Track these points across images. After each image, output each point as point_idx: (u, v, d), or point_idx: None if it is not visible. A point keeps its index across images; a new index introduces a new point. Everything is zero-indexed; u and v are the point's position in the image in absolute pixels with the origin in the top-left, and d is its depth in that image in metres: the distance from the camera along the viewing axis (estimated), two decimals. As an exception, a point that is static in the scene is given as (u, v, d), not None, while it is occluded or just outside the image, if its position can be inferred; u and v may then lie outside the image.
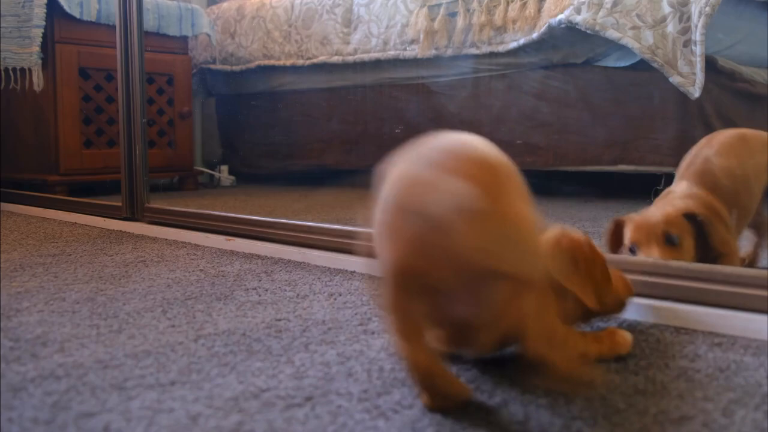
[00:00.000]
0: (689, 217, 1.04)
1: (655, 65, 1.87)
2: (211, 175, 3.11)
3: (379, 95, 2.62)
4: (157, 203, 1.77)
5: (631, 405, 0.57)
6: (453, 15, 2.32)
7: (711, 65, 1.96)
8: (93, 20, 2.45)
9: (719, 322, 0.80)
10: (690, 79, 1.84)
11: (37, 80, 2.41)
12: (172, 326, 0.81)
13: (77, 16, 2.41)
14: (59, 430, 0.52)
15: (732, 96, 2.16)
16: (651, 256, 1.01)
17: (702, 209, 1.04)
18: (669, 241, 1.02)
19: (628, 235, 1.06)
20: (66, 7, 2.38)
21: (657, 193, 1.35)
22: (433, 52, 2.38)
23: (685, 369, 0.66)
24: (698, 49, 1.82)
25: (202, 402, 0.58)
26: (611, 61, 2.11)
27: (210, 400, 0.58)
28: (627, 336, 0.71)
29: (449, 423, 0.53)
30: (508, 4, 2.19)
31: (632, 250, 1.05)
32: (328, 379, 0.63)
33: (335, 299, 0.94)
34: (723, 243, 1.04)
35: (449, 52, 2.35)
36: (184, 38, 2.77)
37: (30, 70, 2.41)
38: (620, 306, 0.78)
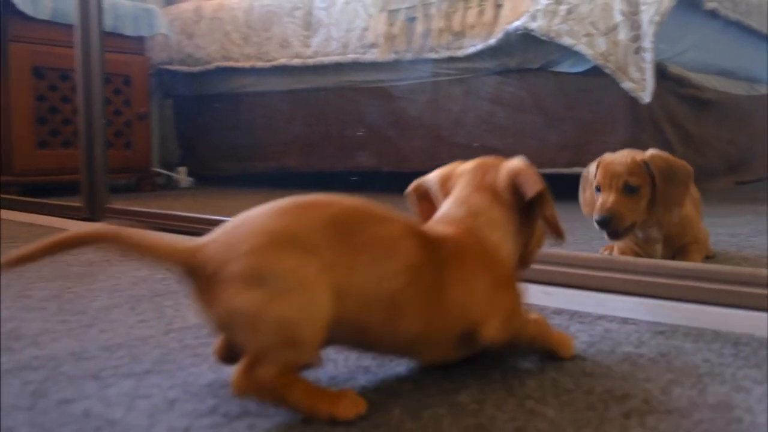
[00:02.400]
0: (648, 165, 1.09)
1: (607, 71, 1.94)
2: (169, 177, 3.10)
3: (339, 98, 2.65)
4: (117, 204, 1.77)
5: (579, 385, 0.61)
6: (412, 20, 2.37)
7: (661, 71, 2.05)
8: (47, 19, 2.42)
9: (663, 312, 0.85)
10: (641, 84, 1.92)
11: (-10, 79, 2.37)
12: (141, 321, 0.83)
13: (30, 14, 2.38)
14: (42, 415, 0.54)
15: (681, 101, 2.26)
16: (608, 201, 1.08)
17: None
18: (628, 190, 1.09)
19: (598, 175, 1.11)
20: (19, 5, 2.34)
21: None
22: (393, 56, 2.42)
23: (630, 354, 0.71)
24: (648, 56, 1.90)
25: (178, 389, 0.60)
26: (565, 67, 2.18)
27: (185, 386, 0.61)
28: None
29: (412, 404, 0.57)
30: (466, 10, 2.25)
31: (598, 189, 1.11)
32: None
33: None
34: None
35: (409, 56, 2.39)
36: (141, 38, 2.76)
37: (-18, 68, 2.37)
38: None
